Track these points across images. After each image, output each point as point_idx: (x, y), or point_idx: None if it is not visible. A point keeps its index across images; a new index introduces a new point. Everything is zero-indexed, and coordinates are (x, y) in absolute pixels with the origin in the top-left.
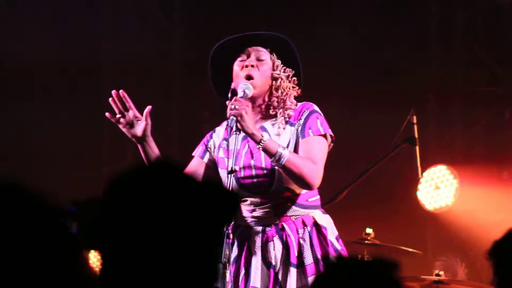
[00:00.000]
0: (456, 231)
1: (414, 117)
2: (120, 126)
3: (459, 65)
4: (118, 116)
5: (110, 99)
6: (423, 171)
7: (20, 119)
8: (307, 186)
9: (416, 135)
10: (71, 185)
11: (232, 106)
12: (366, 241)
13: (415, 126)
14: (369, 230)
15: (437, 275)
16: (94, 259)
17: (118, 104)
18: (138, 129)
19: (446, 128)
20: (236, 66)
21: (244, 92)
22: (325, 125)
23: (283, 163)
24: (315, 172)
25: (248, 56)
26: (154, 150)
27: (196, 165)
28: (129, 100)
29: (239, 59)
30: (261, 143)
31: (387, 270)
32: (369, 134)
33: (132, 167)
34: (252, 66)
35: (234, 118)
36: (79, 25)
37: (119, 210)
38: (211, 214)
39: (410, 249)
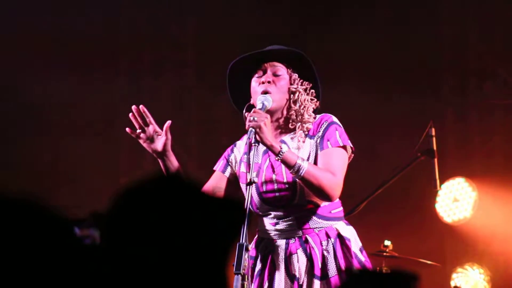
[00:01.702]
0: (475, 243)
1: (433, 130)
2: (141, 141)
3: (474, 77)
4: (138, 131)
5: (130, 114)
6: (441, 183)
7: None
8: (327, 197)
9: (435, 148)
10: (89, 196)
11: (251, 118)
12: (385, 253)
13: (434, 139)
14: (387, 242)
15: (455, 287)
16: None
17: (138, 119)
18: (159, 144)
19: (464, 140)
20: (254, 83)
21: (263, 104)
22: (344, 137)
23: (302, 174)
24: (334, 184)
25: (265, 72)
26: (174, 164)
27: (217, 179)
28: (149, 115)
29: (256, 75)
30: (280, 155)
31: (407, 282)
32: (388, 146)
33: (143, 179)
34: (269, 82)
35: (253, 130)
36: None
37: (129, 220)
38: (219, 224)
39: (429, 262)
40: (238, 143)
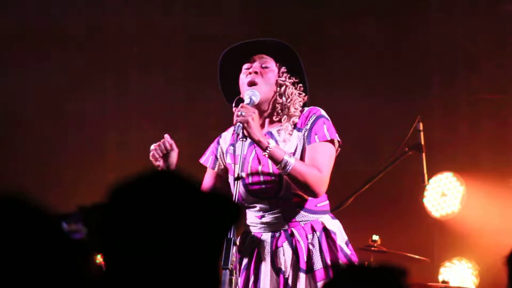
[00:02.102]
0: (463, 238)
1: (421, 124)
2: (157, 163)
3: (462, 72)
4: (160, 161)
5: (156, 146)
6: (429, 178)
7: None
8: (312, 194)
9: (423, 142)
10: (76, 192)
11: (239, 113)
12: (373, 248)
13: (422, 133)
14: (375, 237)
15: (444, 282)
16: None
17: (163, 149)
18: (173, 159)
19: (452, 135)
20: (242, 74)
21: (251, 99)
22: (331, 130)
23: (288, 170)
24: (320, 181)
25: (253, 63)
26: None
27: (210, 177)
28: (173, 144)
29: (245, 66)
30: (267, 150)
31: (395, 277)
32: (376, 141)
33: (136, 175)
34: (256, 72)
35: (241, 125)
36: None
37: (122, 216)
38: (213, 221)
39: (417, 256)
40: (224, 134)
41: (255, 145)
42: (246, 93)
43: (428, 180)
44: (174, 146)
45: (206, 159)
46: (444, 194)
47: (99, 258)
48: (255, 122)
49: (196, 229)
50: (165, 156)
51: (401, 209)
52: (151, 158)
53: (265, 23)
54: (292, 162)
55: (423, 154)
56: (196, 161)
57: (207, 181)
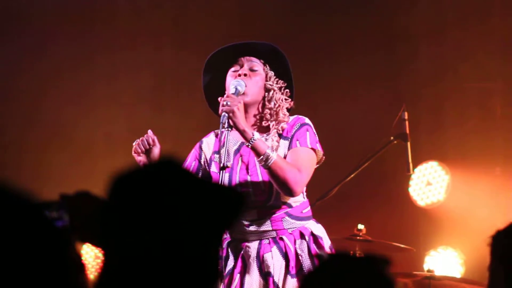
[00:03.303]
0: (448, 226)
1: (406, 113)
2: (138, 157)
3: (450, 60)
4: (142, 156)
5: (139, 141)
6: (414, 167)
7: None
8: (289, 191)
9: (408, 131)
10: (64, 180)
11: (224, 103)
12: (358, 237)
13: (407, 122)
14: (360, 226)
15: (429, 271)
16: (86, 254)
17: (146, 145)
18: (155, 155)
19: (438, 124)
20: (229, 76)
21: (236, 88)
22: (313, 140)
23: (269, 164)
24: (299, 179)
25: (241, 66)
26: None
27: None
28: (156, 140)
29: (232, 69)
30: (251, 141)
31: (378, 266)
32: (360, 130)
33: (136, 165)
34: (245, 75)
35: (226, 115)
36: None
37: (123, 208)
38: (216, 211)
39: (402, 245)
40: (205, 140)
41: (241, 153)
42: (232, 83)
43: (413, 169)
44: (156, 141)
45: (189, 165)
46: (429, 183)
47: (84, 248)
48: (241, 112)
49: (199, 219)
50: (147, 151)
51: (386, 198)
52: (133, 153)
53: (249, 24)
54: (274, 157)
55: (408, 143)
56: (182, 146)
57: None
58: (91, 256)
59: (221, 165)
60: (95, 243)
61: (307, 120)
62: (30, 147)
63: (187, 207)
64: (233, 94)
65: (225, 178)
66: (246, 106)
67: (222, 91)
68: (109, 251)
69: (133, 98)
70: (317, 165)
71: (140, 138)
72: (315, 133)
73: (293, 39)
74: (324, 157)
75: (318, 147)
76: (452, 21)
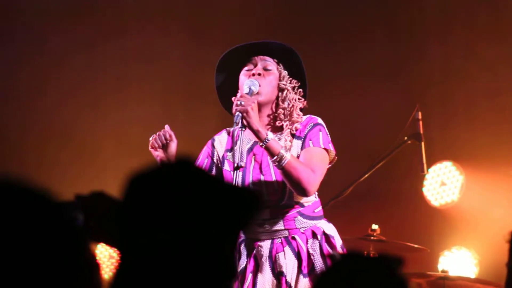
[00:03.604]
0: (462, 227)
1: (419, 113)
2: (156, 153)
3: (460, 60)
4: (159, 151)
5: (156, 136)
6: (428, 167)
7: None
8: (303, 192)
9: (422, 131)
10: (74, 180)
11: (238, 102)
12: (372, 237)
13: (420, 122)
14: (375, 226)
15: (443, 271)
16: (100, 254)
17: (163, 139)
18: (173, 151)
19: (451, 124)
20: (242, 76)
21: (250, 88)
22: (326, 140)
23: (283, 165)
24: (312, 180)
25: (255, 66)
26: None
27: None
28: (173, 135)
29: (246, 68)
30: (265, 141)
31: (392, 267)
32: (375, 130)
33: (153, 165)
34: (259, 74)
35: (240, 115)
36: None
37: (138, 208)
38: (232, 211)
39: (416, 245)
40: (217, 138)
41: (253, 152)
42: (245, 83)
43: (428, 169)
44: (173, 137)
45: (201, 162)
46: (443, 183)
47: (102, 248)
48: (255, 112)
49: (214, 220)
50: (164, 147)
51: (401, 199)
52: (150, 148)
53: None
54: (288, 157)
55: (422, 143)
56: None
57: None
58: (106, 256)
59: (235, 165)
60: (110, 243)
61: (319, 120)
62: (31, 146)
63: (202, 207)
64: (246, 94)
65: (238, 177)
66: (260, 106)
67: (235, 90)
68: (124, 251)
69: (143, 96)
70: (330, 165)
71: (157, 133)
72: (328, 133)
73: (305, 38)
74: (336, 157)
75: (331, 147)
76: (463, 20)
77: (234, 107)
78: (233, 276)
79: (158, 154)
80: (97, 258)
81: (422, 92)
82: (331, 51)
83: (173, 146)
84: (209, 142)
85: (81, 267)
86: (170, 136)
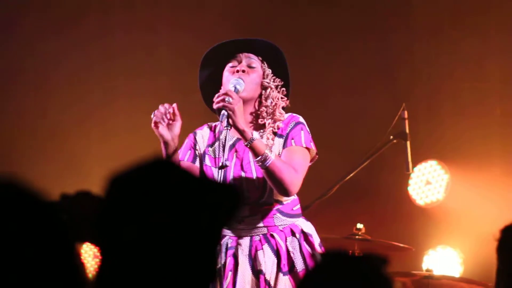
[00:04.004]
0: (447, 226)
1: (405, 112)
2: (161, 131)
3: (446, 59)
4: (163, 129)
5: (161, 112)
6: (414, 166)
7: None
8: (285, 192)
9: (407, 130)
10: (61, 180)
11: (226, 98)
12: (357, 236)
13: (406, 121)
14: (360, 225)
15: (428, 270)
16: (85, 253)
17: (169, 116)
18: (177, 131)
19: (437, 123)
20: (226, 72)
21: (235, 87)
22: (307, 139)
23: (267, 165)
24: (295, 180)
25: (239, 62)
26: (176, 145)
27: (191, 170)
28: (178, 113)
29: (230, 64)
30: (250, 141)
31: (376, 266)
32: (360, 129)
33: (134, 165)
34: (243, 71)
35: (226, 113)
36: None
37: (120, 207)
38: (213, 212)
39: (401, 244)
40: (199, 132)
41: (236, 149)
42: (231, 82)
43: (413, 168)
44: (178, 116)
45: (183, 154)
46: (428, 182)
47: (87, 248)
48: (241, 112)
49: (196, 218)
50: (169, 126)
51: (386, 198)
52: (153, 126)
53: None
54: (272, 157)
55: (408, 142)
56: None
57: None
58: (90, 255)
59: (221, 163)
60: (93, 242)
61: (301, 119)
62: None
63: (183, 205)
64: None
65: (220, 174)
66: (243, 101)
67: (218, 86)
68: (105, 250)
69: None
70: (311, 163)
71: (162, 109)
72: (309, 131)
73: (292, 37)
74: (317, 155)
75: (312, 146)
76: (449, 20)
77: (216, 100)
78: (214, 276)
79: (162, 133)
80: (82, 257)
81: (408, 91)
82: (319, 51)
83: (178, 127)
84: (191, 135)
85: (67, 266)
86: (175, 114)
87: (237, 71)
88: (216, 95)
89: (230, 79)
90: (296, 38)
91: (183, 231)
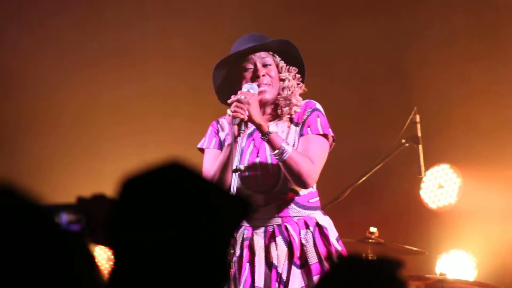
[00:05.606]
0: (460, 229)
1: (417, 116)
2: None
3: (459, 62)
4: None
5: (236, 104)
6: (426, 170)
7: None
8: (303, 184)
9: (419, 134)
10: (74, 184)
11: (240, 96)
12: (370, 240)
13: (418, 125)
14: (373, 229)
15: (441, 274)
16: (99, 256)
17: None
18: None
19: (449, 127)
20: (245, 72)
21: (249, 92)
22: (325, 125)
23: (284, 158)
24: (313, 172)
25: (254, 65)
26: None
27: (216, 159)
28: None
29: (245, 67)
30: (267, 135)
31: (392, 269)
32: (373, 133)
33: (147, 167)
34: (264, 75)
35: (238, 119)
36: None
37: (133, 210)
38: (224, 216)
39: (414, 248)
40: (221, 120)
41: (254, 137)
42: (244, 86)
43: (425, 172)
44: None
45: (209, 142)
46: (441, 186)
47: (100, 250)
48: (256, 105)
49: (208, 221)
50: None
51: (398, 201)
52: (237, 106)
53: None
54: (290, 150)
55: (420, 146)
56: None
57: (213, 164)
58: (104, 258)
59: (234, 167)
60: (107, 245)
61: (317, 105)
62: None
63: (196, 209)
64: None
65: (235, 162)
66: (264, 103)
67: (234, 90)
68: (119, 252)
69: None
70: (329, 150)
71: (241, 99)
72: (326, 117)
73: (302, 40)
74: (334, 142)
75: (330, 131)
76: (461, 24)
77: (233, 98)
78: (226, 279)
79: (244, 117)
80: (97, 260)
81: (420, 95)
82: (329, 54)
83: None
84: (214, 122)
85: (76, 269)
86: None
87: (257, 76)
88: (232, 98)
89: (245, 85)
90: (305, 41)
91: (195, 235)
